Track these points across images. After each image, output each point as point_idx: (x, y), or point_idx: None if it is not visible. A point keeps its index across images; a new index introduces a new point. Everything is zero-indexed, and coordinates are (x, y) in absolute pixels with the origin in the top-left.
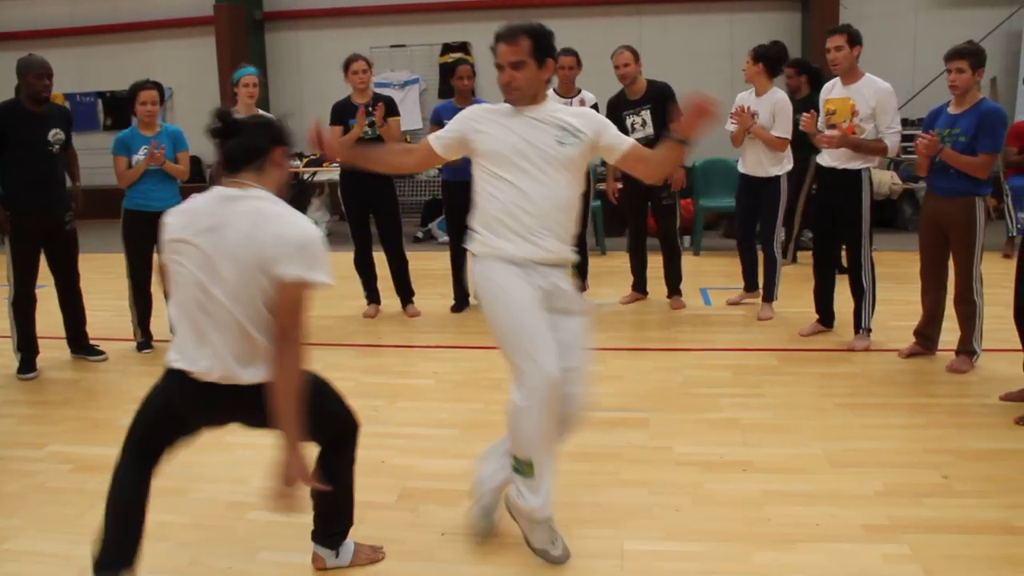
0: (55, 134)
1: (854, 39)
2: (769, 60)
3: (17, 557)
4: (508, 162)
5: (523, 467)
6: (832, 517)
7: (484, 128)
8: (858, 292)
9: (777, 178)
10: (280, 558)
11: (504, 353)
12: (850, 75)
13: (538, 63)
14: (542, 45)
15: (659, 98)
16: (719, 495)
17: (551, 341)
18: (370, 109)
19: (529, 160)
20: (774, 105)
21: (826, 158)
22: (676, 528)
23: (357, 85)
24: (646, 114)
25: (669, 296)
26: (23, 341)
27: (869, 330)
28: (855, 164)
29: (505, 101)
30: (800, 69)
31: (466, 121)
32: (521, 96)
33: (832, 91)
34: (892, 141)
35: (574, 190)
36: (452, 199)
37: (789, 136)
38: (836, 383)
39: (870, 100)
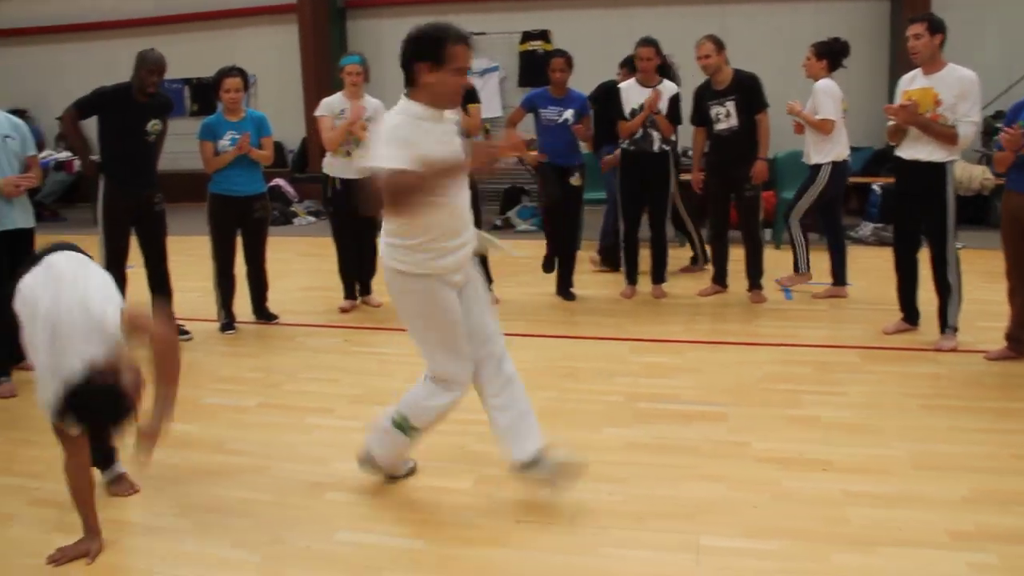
0: (153, 124)
1: (935, 27)
2: (832, 55)
3: (106, 527)
4: None
5: (411, 432)
6: (915, 521)
7: (422, 143)
8: (944, 290)
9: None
10: (359, 538)
11: (426, 350)
12: (931, 64)
13: None
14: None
15: (745, 89)
16: (798, 493)
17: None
18: None
19: None
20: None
21: (908, 151)
22: (753, 525)
23: None
24: (731, 105)
25: (749, 289)
26: None
27: (956, 329)
28: (938, 157)
29: (445, 106)
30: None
31: (407, 142)
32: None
33: (913, 82)
34: (965, 131)
35: None
36: (548, 185)
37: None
38: (920, 383)
39: (953, 88)
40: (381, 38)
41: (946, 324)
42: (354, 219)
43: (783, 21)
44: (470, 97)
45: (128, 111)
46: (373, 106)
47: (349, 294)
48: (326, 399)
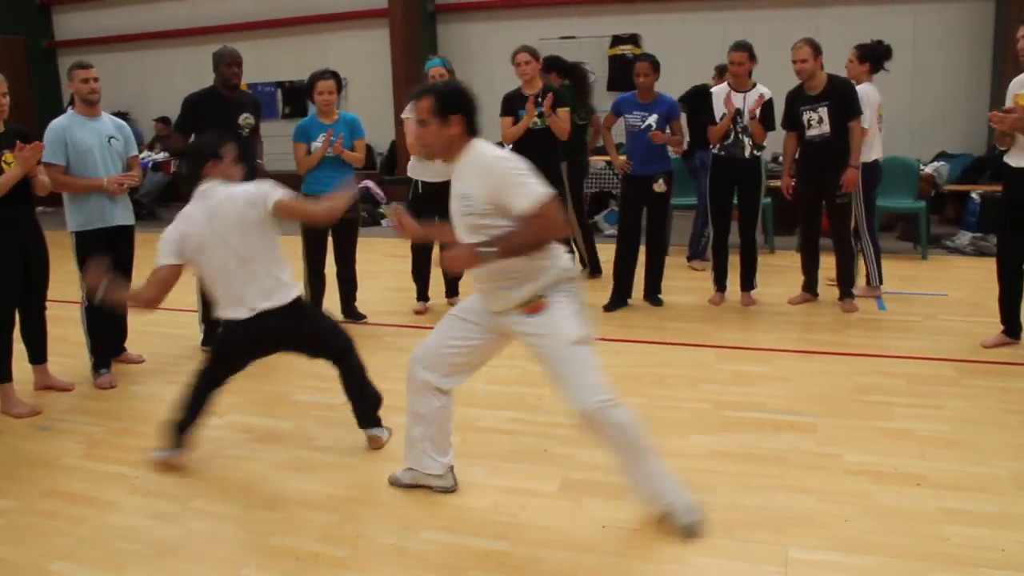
0: (245, 118)
1: None
2: (875, 59)
3: (200, 516)
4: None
5: None
6: (1020, 543)
7: None
8: None
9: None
10: (443, 538)
11: None
12: None
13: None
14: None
15: (839, 95)
16: (891, 508)
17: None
18: (539, 100)
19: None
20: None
21: (1015, 158)
22: (844, 539)
23: (522, 76)
24: (823, 111)
25: (841, 298)
26: (207, 314)
27: None
28: None
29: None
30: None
31: None
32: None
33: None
34: None
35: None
36: (630, 192)
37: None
38: (1022, 400)
39: None
40: (470, 41)
41: None
42: (441, 221)
43: (880, 24)
44: (559, 100)
45: (216, 108)
46: None
47: (422, 295)
48: (401, 396)
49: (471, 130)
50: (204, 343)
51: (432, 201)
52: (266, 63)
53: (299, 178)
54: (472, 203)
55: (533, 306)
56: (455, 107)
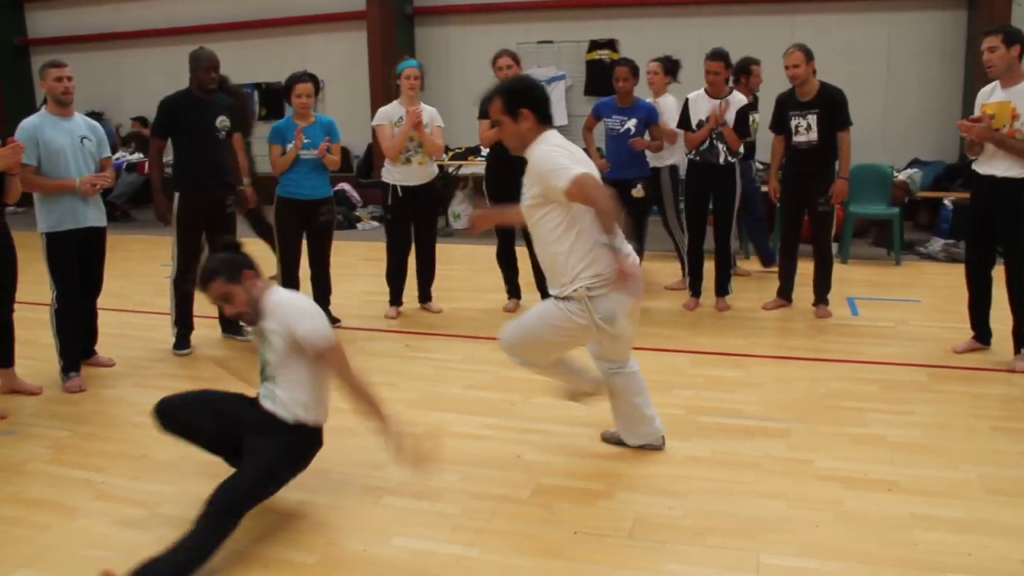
0: (222, 121)
1: (1011, 39)
2: (675, 72)
3: (168, 522)
4: None
5: None
6: (986, 548)
7: None
8: (1019, 309)
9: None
10: (414, 544)
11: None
12: (1009, 77)
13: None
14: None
15: (830, 103)
16: (862, 514)
17: None
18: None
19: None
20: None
21: (983, 166)
22: (815, 545)
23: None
24: (812, 118)
25: (815, 304)
26: (180, 318)
27: None
28: (1015, 172)
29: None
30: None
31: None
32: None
33: (991, 95)
34: None
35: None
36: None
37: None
38: (991, 405)
39: None
40: (449, 45)
41: (1021, 344)
42: (417, 226)
43: (855, 31)
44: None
45: (193, 111)
46: (429, 113)
47: (395, 300)
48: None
49: (543, 120)
50: (176, 347)
51: (408, 205)
52: (243, 64)
53: (275, 180)
54: (525, 191)
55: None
56: (522, 102)
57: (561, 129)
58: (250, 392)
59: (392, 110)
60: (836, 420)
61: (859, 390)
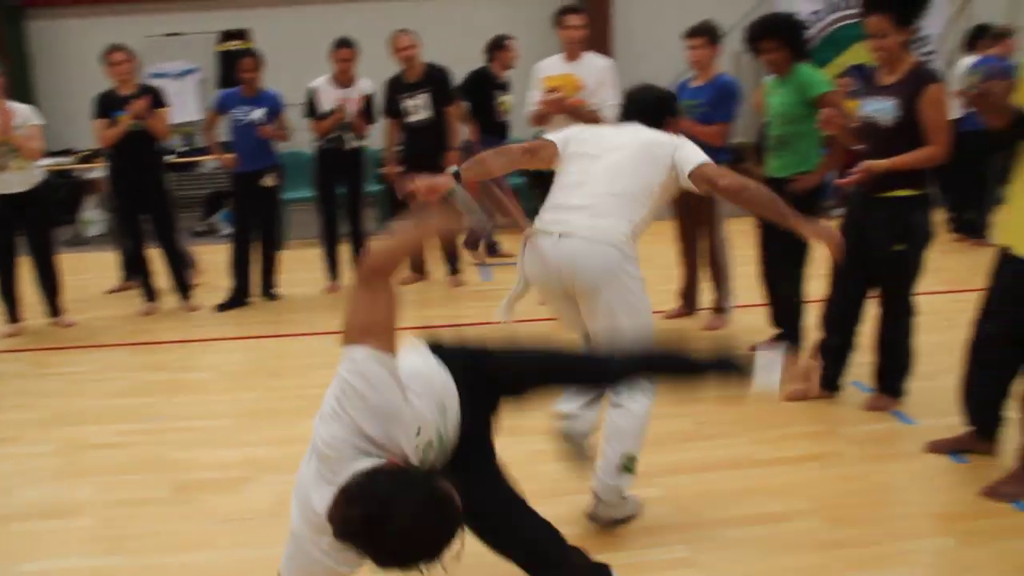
0: None
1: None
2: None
3: None
4: None
5: (631, 464)
6: None
7: None
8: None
9: None
10: (45, 567)
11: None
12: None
13: None
14: None
15: (437, 81)
16: None
17: None
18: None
19: None
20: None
21: None
22: None
23: (117, 77)
24: (423, 97)
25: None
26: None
27: None
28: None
29: None
30: None
31: None
32: None
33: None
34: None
35: None
36: (240, 189)
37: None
38: None
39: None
40: (68, 40)
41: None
42: (29, 237)
43: (475, 12)
44: (157, 101)
45: None
46: (22, 113)
47: (13, 318)
48: (12, 426)
49: None
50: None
51: (9, 215)
52: None
53: None
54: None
55: None
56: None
57: (196, 124)
58: None
59: None
60: None
61: None
